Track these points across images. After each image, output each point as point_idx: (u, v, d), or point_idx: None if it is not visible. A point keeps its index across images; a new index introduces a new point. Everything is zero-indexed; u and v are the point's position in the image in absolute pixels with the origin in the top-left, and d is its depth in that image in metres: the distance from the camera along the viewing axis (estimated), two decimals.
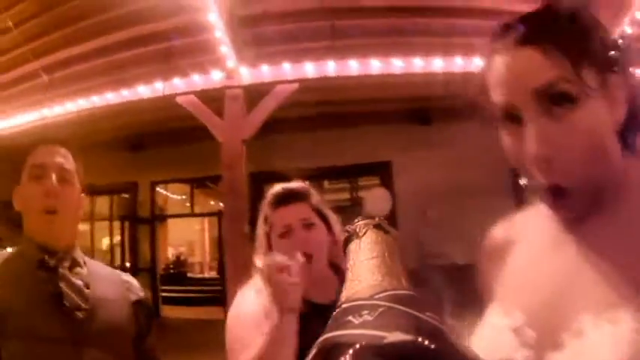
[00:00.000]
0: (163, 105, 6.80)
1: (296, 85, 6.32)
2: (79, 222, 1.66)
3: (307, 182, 1.86)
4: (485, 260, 0.99)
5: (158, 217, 11.30)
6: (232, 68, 6.35)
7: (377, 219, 0.56)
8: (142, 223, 10.80)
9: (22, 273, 1.43)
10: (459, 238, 8.47)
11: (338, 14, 6.33)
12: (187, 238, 18.53)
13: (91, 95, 6.97)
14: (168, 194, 13.54)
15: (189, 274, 17.02)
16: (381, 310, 0.41)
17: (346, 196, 10.89)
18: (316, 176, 8.89)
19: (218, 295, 10.32)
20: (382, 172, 9.64)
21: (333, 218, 1.77)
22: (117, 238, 11.58)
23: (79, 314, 1.40)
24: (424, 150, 8.82)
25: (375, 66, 6.54)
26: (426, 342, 0.37)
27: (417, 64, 6.54)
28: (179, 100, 6.42)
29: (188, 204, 13.39)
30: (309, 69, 6.42)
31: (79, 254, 1.57)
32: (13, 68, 6.85)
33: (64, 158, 1.58)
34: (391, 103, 8.40)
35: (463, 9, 6.30)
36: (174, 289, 13.08)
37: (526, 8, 0.85)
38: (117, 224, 11.46)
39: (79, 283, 1.46)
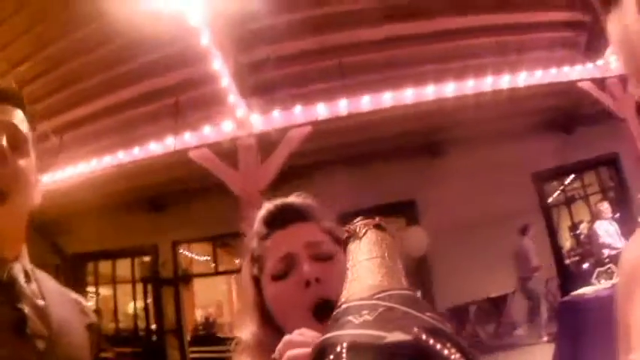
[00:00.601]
0: (178, 163, 6.72)
1: (309, 128, 6.19)
2: (29, 215, 1.17)
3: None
4: (622, 293, 0.64)
5: (181, 278, 11.13)
6: (243, 117, 6.24)
7: (377, 219, 0.54)
8: (165, 284, 10.61)
9: None
10: (493, 268, 8.25)
11: (343, 51, 6.26)
12: (215, 298, 18.30)
13: (104, 155, 6.89)
14: (193, 256, 13.43)
15: (219, 335, 16.81)
16: (381, 310, 0.41)
17: None
18: (340, 222, 8.65)
19: None
20: (407, 212, 9.44)
21: None
22: (141, 301, 11.37)
23: (40, 344, 1.04)
24: (445, 183, 8.63)
25: (387, 99, 6.39)
26: (426, 341, 0.35)
27: (429, 91, 6.41)
28: (192, 155, 6.30)
29: (213, 264, 13.26)
30: (321, 110, 6.28)
31: (27, 262, 1.17)
32: None
33: (20, 121, 1.13)
34: (406, 138, 8.28)
35: (469, 28, 6.21)
36: (205, 350, 12.88)
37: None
38: (140, 287, 11.25)
39: (42, 303, 1.09)
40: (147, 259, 11.14)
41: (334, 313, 0.45)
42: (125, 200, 9.09)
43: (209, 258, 13.68)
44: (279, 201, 1.13)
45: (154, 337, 10.79)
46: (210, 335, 16.43)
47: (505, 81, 6.52)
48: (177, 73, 6.21)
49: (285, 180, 6.17)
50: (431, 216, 8.80)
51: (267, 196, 1.20)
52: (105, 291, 11.77)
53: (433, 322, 0.39)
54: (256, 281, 1.06)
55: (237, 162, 6.17)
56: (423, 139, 8.66)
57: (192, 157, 6.28)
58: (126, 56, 5.86)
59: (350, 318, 0.41)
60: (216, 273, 13.74)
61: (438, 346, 0.36)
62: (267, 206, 1.12)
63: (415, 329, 0.37)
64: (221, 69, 5.56)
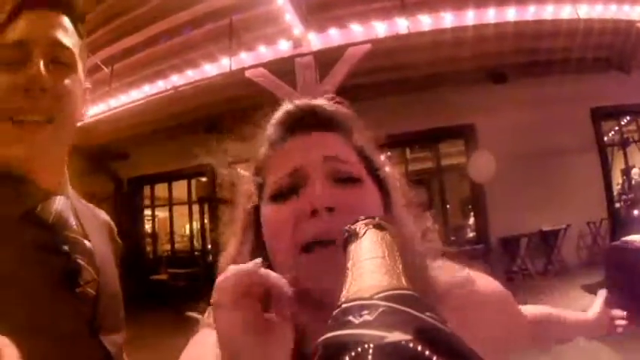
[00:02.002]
0: (234, 83, 6.65)
1: (368, 46, 6.04)
2: (73, 138, 1.00)
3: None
4: None
5: None
6: (300, 35, 6.13)
7: (377, 218, 0.53)
8: (222, 204, 10.65)
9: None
10: (547, 201, 8.08)
11: None
12: None
13: (156, 80, 6.90)
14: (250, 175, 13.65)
15: None
16: (381, 310, 0.40)
17: (429, 165, 10.44)
18: (397, 144, 8.76)
19: None
20: (466, 136, 9.26)
21: (387, 172, 0.83)
22: (198, 222, 11.54)
23: (91, 291, 0.92)
24: (506, 110, 8.40)
25: (448, 20, 6.21)
26: (426, 343, 0.35)
27: (490, 15, 6.21)
28: (248, 73, 6.24)
29: None
30: (380, 28, 6.13)
31: (69, 191, 1.02)
32: None
33: (62, 30, 0.93)
34: (466, 62, 8.01)
35: None
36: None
37: None
38: (196, 208, 11.39)
39: (89, 245, 0.96)
40: (204, 179, 11.22)
41: (334, 312, 0.44)
42: (180, 123, 9.16)
43: None
44: (301, 101, 0.85)
45: (210, 258, 10.91)
46: None
47: (566, 11, 6.30)
48: None
49: (343, 99, 6.08)
50: (489, 142, 8.61)
51: None
52: (161, 213, 12.10)
53: (433, 322, 0.38)
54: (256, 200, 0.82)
55: (296, 80, 6.09)
56: (483, 64, 8.38)
57: (249, 76, 6.22)
58: None
59: (350, 318, 0.40)
60: None
61: (438, 346, 0.35)
62: (287, 106, 0.84)
63: (415, 329, 0.37)
64: None
